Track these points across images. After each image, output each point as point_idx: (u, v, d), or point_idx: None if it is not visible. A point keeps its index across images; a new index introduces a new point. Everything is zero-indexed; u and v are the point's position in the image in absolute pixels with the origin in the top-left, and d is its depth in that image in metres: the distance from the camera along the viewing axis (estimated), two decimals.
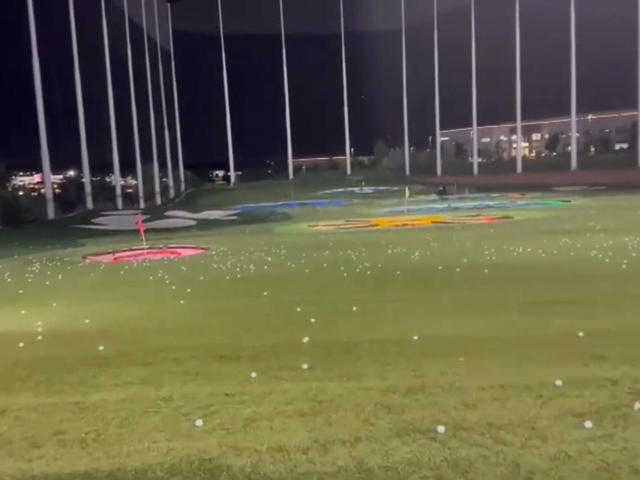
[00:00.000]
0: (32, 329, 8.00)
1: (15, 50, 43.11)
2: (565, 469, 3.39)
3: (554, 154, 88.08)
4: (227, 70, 77.26)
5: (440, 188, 55.18)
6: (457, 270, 12.06)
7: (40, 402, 5.03)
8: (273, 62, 77.51)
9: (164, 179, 68.94)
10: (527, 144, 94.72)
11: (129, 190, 59.93)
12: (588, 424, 3.92)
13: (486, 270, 11.74)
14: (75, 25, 47.07)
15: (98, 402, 4.93)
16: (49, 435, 4.30)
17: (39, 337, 7.50)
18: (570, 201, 39.33)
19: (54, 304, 10.33)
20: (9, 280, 14.47)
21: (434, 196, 51.81)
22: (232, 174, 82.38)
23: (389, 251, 16.94)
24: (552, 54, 61.91)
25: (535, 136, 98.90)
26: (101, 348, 6.67)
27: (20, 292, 12.33)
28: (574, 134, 63.81)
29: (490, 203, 42.17)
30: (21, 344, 7.05)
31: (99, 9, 51.84)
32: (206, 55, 76.15)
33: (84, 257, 20.20)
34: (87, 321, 8.49)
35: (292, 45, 77.67)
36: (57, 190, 47.84)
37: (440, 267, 12.58)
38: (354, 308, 8.39)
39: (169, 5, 74.18)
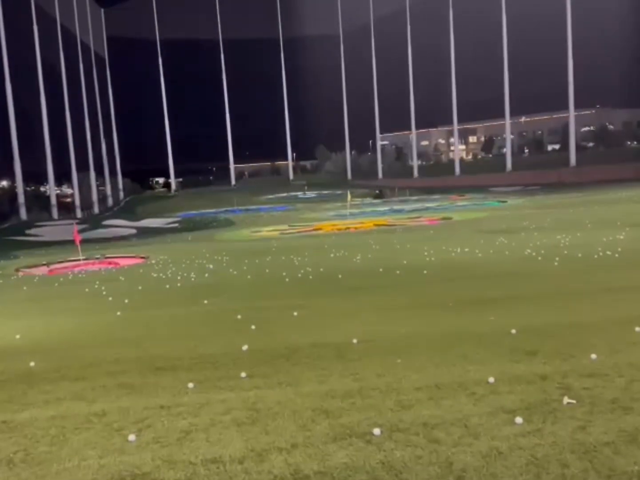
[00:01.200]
0: None
1: None
2: (496, 466, 3.46)
3: (490, 155, 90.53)
4: (165, 75, 76.15)
5: (377, 191, 55.96)
6: (397, 272, 12.22)
7: None
8: (212, 67, 76.86)
9: (102, 188, 67.26)
10: (464, 147, 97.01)
11: (67, 200, 58.18)
12: (519, 419, 4.02)
13: (425, 271, 11.94)
14: (5, 32, 45.44)
15: (27, 420, 4.74)
16: None
17: None
18: (506, 201, 40.48)
19: None
20: None
21: (370, 199, 52.50)
22: (172, 181, 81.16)
23: (332, 255, 17.04)
24: (485, 58, 63.57)
25: (472, 139, 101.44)
26: (32, 364, 6.43)
27: None
28: (509, 136, 65.74)
29: (430, 205, 42.97)
30: None
31: (29, 16, 50.18)
32: (143, 61, 74.82)
33: (17, 270, 19.52)
34: (18, 337, 8.18)
35: (231, 50, 77.21)
36: None
37: (380, 270, 12.72)
38: (295, 313, 8.37)
39: (102, 10, 72.52)
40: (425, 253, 15.13)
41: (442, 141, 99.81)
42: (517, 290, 9.39)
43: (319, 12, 75.19)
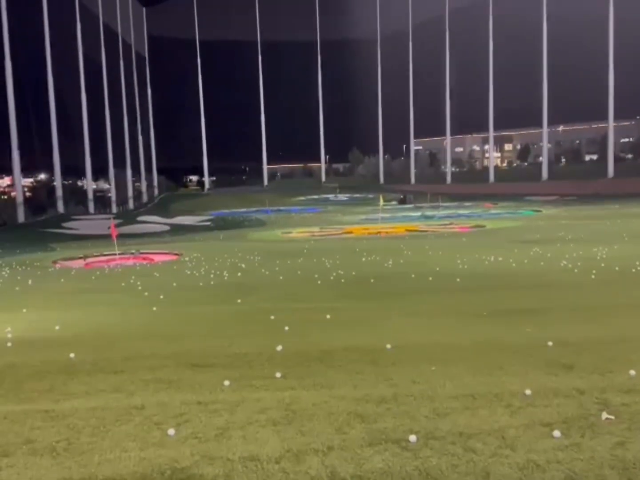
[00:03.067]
0: (1, 335, 7.87)
1: None
2: (533, 478, 3.45)
3: (526, 164, 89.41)
4: (203, 76, 76.98)
5: (401, 196, 55.72)
6: (430, 278, 12.18)
7: (9, 409, 4.95)
8: (249, 68, 77.45)
9: (137, 184, 68.32)
10: (499, 154, 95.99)
11: (103, 194, 59.24)
12: (556, 433, 4.00)
13: (458, 279, 11.87)
14: (49, 28, 46.46)
15: (69, 410, 4.87)
16: (19, 444, 4.24)
17: (9, 344, 7.39)
18: (541, 211, 39.95)
19: (24, 310, 10.17)
20: None
21: (395, 204, 52.31)
22: (206, 179, 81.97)
23: (363, 259, 17.02)
24: (524, 65, 62.92)
25: (507, 146, 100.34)
26: (72, 355, 6.59)
27: None
28: (545, 145, 64.86)
29: (463, 212, 42.63)
30: None
31: (73, 14, 51.27)
32: (182, 61, 75.79)
33: (55, 262, 19.92)
34: (57, 328, 8.37)
35: (268, 52, 77.74)
36: (28, 194, 47.11)
37: (413, 275, 12.69)
38: (328, 316, 8.42)
39: (144, 9, 73.70)
40: (458, 261, 15.03)
41: (476, 148, 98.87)
42: (553, 302, 9.28)
43: (357, 15, 75.20)
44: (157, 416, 4.63)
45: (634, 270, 12.09)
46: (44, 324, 8.92)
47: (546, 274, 12.49)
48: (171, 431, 4.27)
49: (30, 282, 14.28)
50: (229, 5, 72.92)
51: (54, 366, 6.30)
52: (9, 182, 49.33)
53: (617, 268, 12.46)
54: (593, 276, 11.55)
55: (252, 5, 76.05)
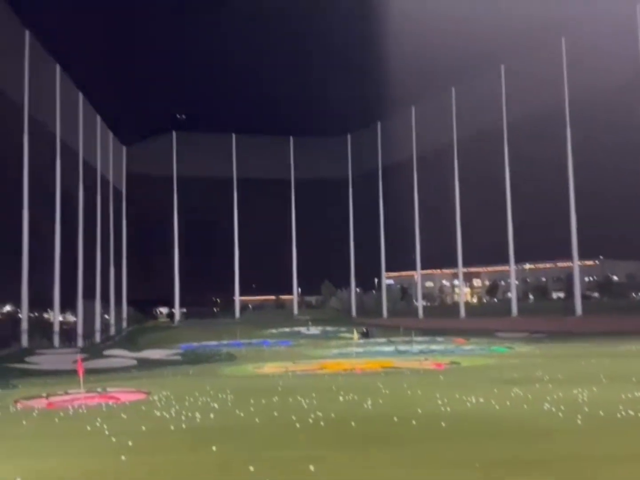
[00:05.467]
0: None
1: None
2: None
3: (495, 300, 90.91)
4: (178, 210, 78.57)
5: (364, 329, 55.61)
6: (413, 422, 11.76)
7: None
8: (224, 204, 79.55)
9: (105, 316, 67.04)
10: (468, 290, 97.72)
11: (69, 327, 57.78)
12: None
13: (443, 424, 11.48)
14: (28, 161, 47.52)
15: None
16: None
17: None
18: (513, 347, 39.90)
19: None
20: None
21: (355, 336, 51.97)
22: (176, 311, 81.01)
23: (341, 398, 16.53)
24: (490, 204, 65.82)
25: (476, 282, 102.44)
26: None
27: None
28: (513, 281, 66.31)
29: (436, 347, 42.40)
30: None
31: (53, 150, 52.83)
32: (158, 196, 77.63)
33: (16, 402, 18.87)
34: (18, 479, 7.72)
35: (243, 188, 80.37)
36: None
37: (395, 419, 12.25)
38: (312, 467, 7.94)
39: (124, 148, 76.45)
40: (439, 402, 14.66)
41: (446, 283, 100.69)
42: (545, 451, 8.94)
43: (328, 156, 79.24)
44: None
45: (619, 415, 11.87)
46: (3, 474, 8.22)
47: (532, 418, 12.17)
48: None
49: None
50: (207, 143, 76.19)
51: None
52: None
53: (601, 413, 12.23)
54: (579, 422, 11.28)
55: (228, 143, 79.54)
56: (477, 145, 64.84)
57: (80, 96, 60.14)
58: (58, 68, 54.75)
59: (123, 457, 9.27)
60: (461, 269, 69.40)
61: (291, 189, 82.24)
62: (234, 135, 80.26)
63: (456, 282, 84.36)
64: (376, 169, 77.87)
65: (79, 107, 59.32)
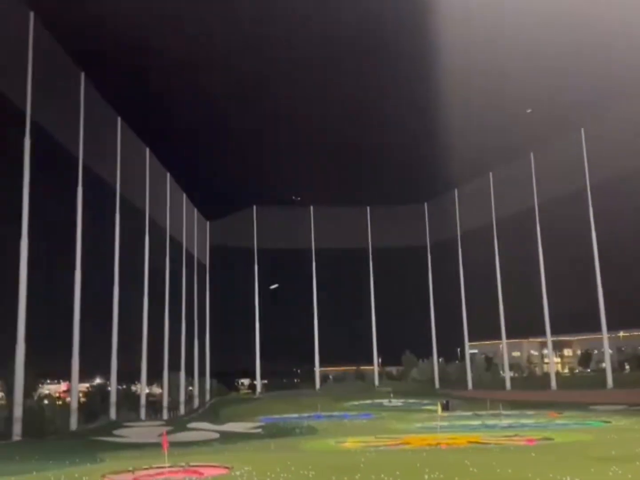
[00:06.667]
0: None
1: (58, 263, 45.53)
2: None
3: (588, 370, 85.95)
4: (259, 281, 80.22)
5: (444, 401, 53.67)
6: None
7: None
8: (303, 274, 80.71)
9: (190, 388, 68.24)
10: (559, 360, 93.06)
11: (155, 399, 59.10)
12: None
13: None
14: (119, 241, 50.15)
15: None
16: None
17: None
18: (611, 422, 37.48)
19: None
20: None
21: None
22: (258, 383, 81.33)
23: (426, 476, 15.93)
24: (577, 269, 63.33)
25: (567, 351, 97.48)
26: None
27: None
28: (607, 351, 62.58)
29: (526, 421, 40.37)
30: None
31: (142, 228, 55.66)
32: (240, 268, 79.81)
33: (103, 477, 19.30)
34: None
35: (321, 258, 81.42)
36: (82, 399, 47.29)
37: None
38: None
39: (207, 223, 79.68)
40: None
41: (534, 353, 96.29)
42: None
43: (404, 224, 79.49)
44: None
45: None
46: None
47: None
48: None
49: None
50: (286, 216, 78.20)
51: None
52: (64, 388, 50.05)
53: None
54: None
55: (307, 216, 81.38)
56: (560, 209, 63.21)
57: (168, 176, 63.69)
58: (147, 150, 58.47)
59: None
60: (550, 337, 66.47)
61: (369, 258, 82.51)
62: (311, 208, 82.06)
63: (545, 351, 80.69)
64: (454, 236, 77.18)
65: (166, 186, 62.78)
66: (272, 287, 79.01)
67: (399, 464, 19.67)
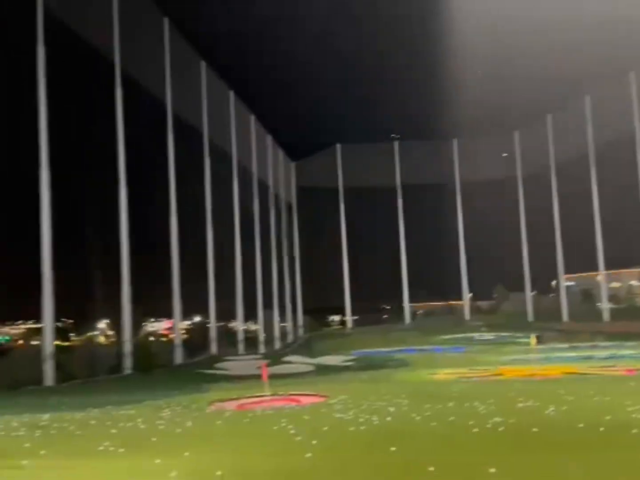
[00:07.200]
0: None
1: (155, 209, 47.68)
2: None
3: None
4: (346, 220, 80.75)
5: (538, 334, 52.63)
6: (601, 429, 11.13)
7: None
8: (389, 210, 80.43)
9: (283, 324, 70.61)
10: None
11: (251, 335, 61.73)
12: None
13: (634, 431, 10.73)
14: (210, 186, 51.65)
15: None
16: None
17: None
18: None
19: (186, 453, 10.53)
20: (142, 426, 14.99)
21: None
22: (348, 318, 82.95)
23: (520, 404, 16.02)
24: None
25: None
26: None
27: (154, 439, 12.72)
28: None
29: (626, 352, 39.19)
30: None
31: (230, 172, 56.93)
32: (326, 207, 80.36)
33: (210, 403, 20.64)
34: (218, 473, 8.56)
35: (407, 195, 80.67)
36: (184, 336, 50.18)
37: (581, 425, 11.68)
38: (492, 470, 7.89)
39: (293, 164, 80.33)
40: (630, 409, 13.68)
41: (635, 283, 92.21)
42: None
43: (495, 156, 76.96)
44: None
45: None
46: (205, 468, 9.16)
47: None
48: None
49: (189, 424, 14.85)
50: (370, 153, 77.41)
51: None
52: (168, 325, 53.16)
53: None
54: None
55: (391, 152, 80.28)
56: None
57: (252, 118, 64.31)
58: (232, 94, 59.02)
59: (308, 455, 9.87)
60: None
61: (456, 192, 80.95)
62: (396, 143, 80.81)
63: None
64: (547, 166, 73.97)
65: (251, 128, 63.51)
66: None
67: (492, 393, 19.78)
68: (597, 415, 12.89)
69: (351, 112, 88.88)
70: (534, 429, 11.44)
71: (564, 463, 8.55)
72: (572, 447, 9.81)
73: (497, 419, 13.01)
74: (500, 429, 11.95)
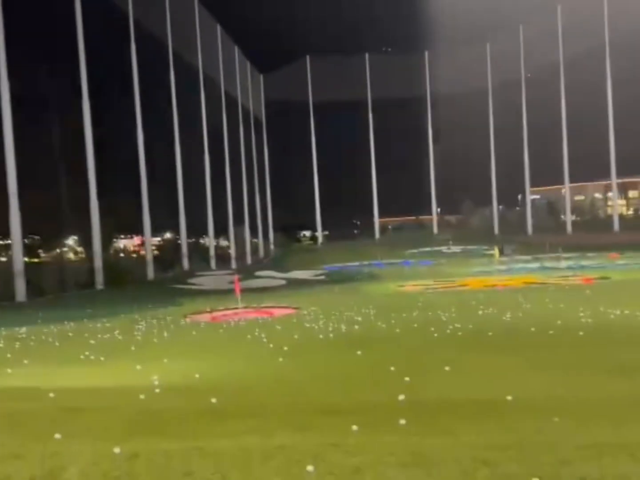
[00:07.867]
0: (149, 383, 8.74)
1: (121, 123, 46.75)
2: None
3: None
4: (316, 135, 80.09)
5: (500, 247, 54.42)
6: (551, 332, 12.03)
7: (168, 447, 5.61)
8: (359, 125, 79.85)
9: (254, 240, 71.24)
10: (624, 202, 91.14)
11: (223, 251, 62.35)
12: None
13: (581, 333, 11.65)
14: (176, 99, 50.56)
15: (219, 449, 5.43)
16: (179, 476, 4.83)
17: (157, 390, 8.22)
18: None
19: (165, 360, 11.16)
20: (119, 337, 15.62)
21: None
22: (319, 234, 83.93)
23: (480, 312, 16.97)
24: None
25: (632, 193, 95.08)
26: (213, 400, 7.24)
27: (132, 348, 13.34)
28: None
29: (586, 263, 40.92)
30: (142, 396, 7.73)
31: (197, 83, 55.56)
32: (296, 122, 79.42)
33: (185, 316, 21.35)
34: (197, 376, 9.18)
35: (378, 109, 79.90)
36: (156, 252, 50.53)
37: (532, 329, 12.57)
38: (447, 368, 8.63)
39: (261, 76, 78.42)
40: (581, 314, 14.67)
41: (599, 196, 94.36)
42: None
43: (464, 68, 75.97)
44: (296, 455, 5.10)
45: None
46: (184, 372, 9.78)
47: None
48: (310, 468, 4.71)
49: (165, 334, 15.51)
50: (340, 67, 75.84)
51: (199, 410, 6.98)
52: (138, 242, 53.32)
53: None
54: None
55: (362, 66, 78.80)
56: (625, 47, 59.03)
57: (219, 28, 62.14)
58: (196, 2, 56.71)
59: (280, 359, 10.57)
60: (615, 180, 64.97)
61: (427, 106, 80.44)
62: (367, 55, 79.20)
63: (610, 194, 79.10)
64: (518, 78, 73.55)
65: (217, 39, 61.50)
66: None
67: (455, 302, 20.83)
68: (549, 320, 13.83)
69: (320, 23, 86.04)
70: (489, 333, 12.30)
71: (510, 360, 9.37)
72: (520, 348, 10.66)
73: (457, 325, 13.89)
74: (459, 333, 12.80)
